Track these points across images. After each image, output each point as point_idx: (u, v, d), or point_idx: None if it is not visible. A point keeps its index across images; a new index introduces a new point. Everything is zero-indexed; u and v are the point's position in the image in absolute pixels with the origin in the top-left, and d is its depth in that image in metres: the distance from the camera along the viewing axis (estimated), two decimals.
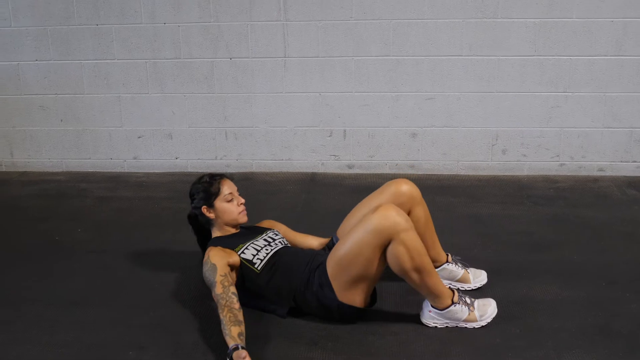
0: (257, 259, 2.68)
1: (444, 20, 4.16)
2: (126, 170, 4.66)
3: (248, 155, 4.56)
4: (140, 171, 4.64)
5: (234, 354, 2.24)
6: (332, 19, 4.24)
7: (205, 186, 2.84)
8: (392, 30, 4.21)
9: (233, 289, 2.51)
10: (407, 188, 2.82)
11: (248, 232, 2.86)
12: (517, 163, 4.38)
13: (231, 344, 2.29)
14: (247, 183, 4.40)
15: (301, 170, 4.54)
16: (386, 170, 4.49)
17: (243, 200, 2.88)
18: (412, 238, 2.45)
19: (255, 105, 4.46)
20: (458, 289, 2.88)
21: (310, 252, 2.76)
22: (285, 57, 4.34)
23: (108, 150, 4.65)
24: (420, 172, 4.47)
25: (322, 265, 2.61)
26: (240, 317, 2.40)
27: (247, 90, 4.44)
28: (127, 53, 4.43)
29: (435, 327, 2.60)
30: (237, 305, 2.44)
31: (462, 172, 4.43)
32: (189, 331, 2.61)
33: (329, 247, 2.82)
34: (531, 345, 2.47)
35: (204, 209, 2.82)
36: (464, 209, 3.84)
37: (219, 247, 2.71)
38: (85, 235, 3.60)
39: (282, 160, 4.55)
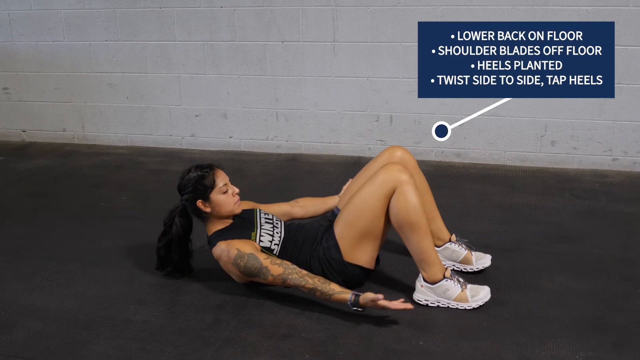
0: (274, 244, 2.71)
1: (492, 7, 4.09)
2: (184, 147, 4.91)
3: (297, 137, 4.68)
4: (197, 148, 4.87)
5: (361, 298, 2.46)
6: (381, 4, 4.27)
7: (199, 179, 2.69)
8: (440, 17, 4.19)
9: (288, 261, 2.63)
10: (400, 153, 2.87)
11: (243, 219, 2.78)
12: (567, 156, 4.24)
13: (348, 295, 2.49)
14: (293, 163, 4.53)
15: (348, 154, 4.60)
16: (432, 157, 4.47)
17: (237, 190, 2.76)
18: (412, 192, 2.55)
19: (305, 88, 4.57)
20: (461, 270, 2.87)
21: (314, 225, 2.85)
22: (334, 41, 4.42)
23: (168, 127, 4.91)
24: (466, 161, 4.42)
25: (329, 230, 2.70)
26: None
27: (297, 73, 4.55)
28: (186, 35, 4.66)
29: (427, 305, 2.62)
30: (305, 270, 2.61)
31: (509, 163, 4.34)
32: (189, 292, 2.77)
33: (331, 220, 2.88)
34: (516, 331, 2.45)
35: (199, 203, 2.69)
36: (499, 198, 3.78)
37: (235, 239, 2.67)
38: (127, 203, 3.85)
39: (330, 143, 4.63)
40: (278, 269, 2.57)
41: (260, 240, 2.70)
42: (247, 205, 2.93)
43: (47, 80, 5.06)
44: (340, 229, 2.64)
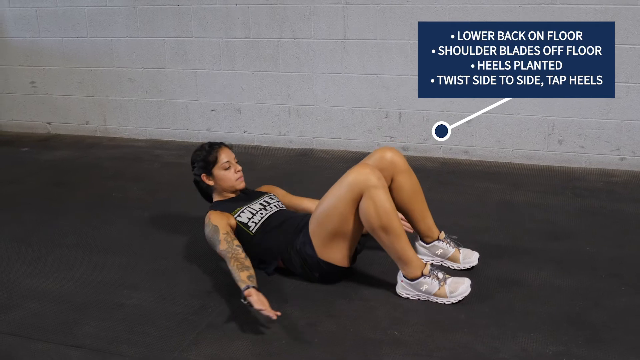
0: (252, 222, 2.86)
1: (500, 5, 4.11)
2: (200, 141, 5.01)
3: (309, 132, 4.77)
4: None
5: (247, 292, 2.44)
6: (390, 2, 4.33)
7: (204, 155, 3.00)
8: (448, 15, 4.22)
9: (236, 242, 2.73)
10: (390, 155, 2.88)
11: (246, 196, 3.03)
12: (575, 155, 4.23)
13: (242, 286, 2.49)
14: (303, 158, 4.62)
15: (357, 150, 4.67)
16: (440, 154, 4.51)
17: (240, 168, 3.02)
18: (380, 196, 2.56)
19: (317, 84, 4.66)
20: (448, 267, 2.92)
21: (301, 216, 2.93)
22: (344, 39, 4.49)
23: (185, 122, 5.05)
24: (473, 158, 4.44)
25: (307, 225, 2.78)
26: (248, 263, 2.62)
27: (309, 70, 4.64)
28: (203, 32, 4.80)
29: (408, 298, 2.68)
30: (242, 254, 2.66)
31: (516, 161, 4.36)
32: (183, 279, 2.90)
33: None
34: (492, 324, 2.49)
35: (203, 177, 2.99)
36: (499, 195, 3.81)
37: (218, 210, 2.90)
38: (138, 194, 4.00)
39: (341, 138, 4.71)
40: (225, 245, 2.69)
41: (239, 215, 2.86)
42: (266, 189, 3.20)
43: (71, 75, 5.25)
44: (313, 227, 2.71)
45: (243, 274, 2.56)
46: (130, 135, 5.23)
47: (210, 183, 3.01)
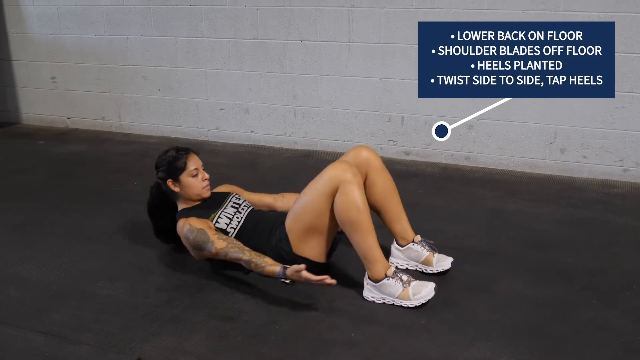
0: (231, 227, 2.87)
1: (503, 11, 4.07)
2: (209, 139, 5.13)
3: (313, 134, 4.81)
4: (220, 141, 5.08)
5: (288, 271, 2.57)
6: (394, 6, 4.33)
7: (171, 160, 2.94)
8: (451, 20, 4.20)
9: (232, 238, 2.80)
10: (365, 153, 2.92)
11: (212, 201, 2.98)
12: (577, 164, 4.17)
13: (277, 268, 2.61)
14: (306, 160, 4.66)
15: None
16: (441, 160, 4.49)
17: (207, 176, 2.97)
18: (354, 191, 2.60)
19: (322, 86, 4.69)
20: (422, 271, 2.93)
21: (274, 216, 2.97)
22: (349, 42, 4.52)
23: (195, 120, 5.15)
24: (474, 165, 4.41)
25: (282, 223, 2.82)
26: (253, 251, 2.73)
27: (314, 72, 4.68)
28: (213, 32, 4.88)
29: (373, 301, 2.70)
30: (247, 246, 2.75)
31: (518, 169, 4.31)
32: (157, 273, 2.98)
33: None
34: (451, 331, 2.49)
35: (169, 182, 2.94)
36: (492, 202, 3.78)
37: (194, 217, 2.87)
38: (137, 188, 4.08)
39: (344, 141, 4.73)
40: (222, 243, 2.73)
41: (217, 222, 2.87)
42: (227, 188, 3.14)
43: (89, 71, 5.41)
44: (289, 222, 2.76)
45: (268, 259, 2.67)
46: (144, 131, 5.35)
47: (176, 189, 2.95)
